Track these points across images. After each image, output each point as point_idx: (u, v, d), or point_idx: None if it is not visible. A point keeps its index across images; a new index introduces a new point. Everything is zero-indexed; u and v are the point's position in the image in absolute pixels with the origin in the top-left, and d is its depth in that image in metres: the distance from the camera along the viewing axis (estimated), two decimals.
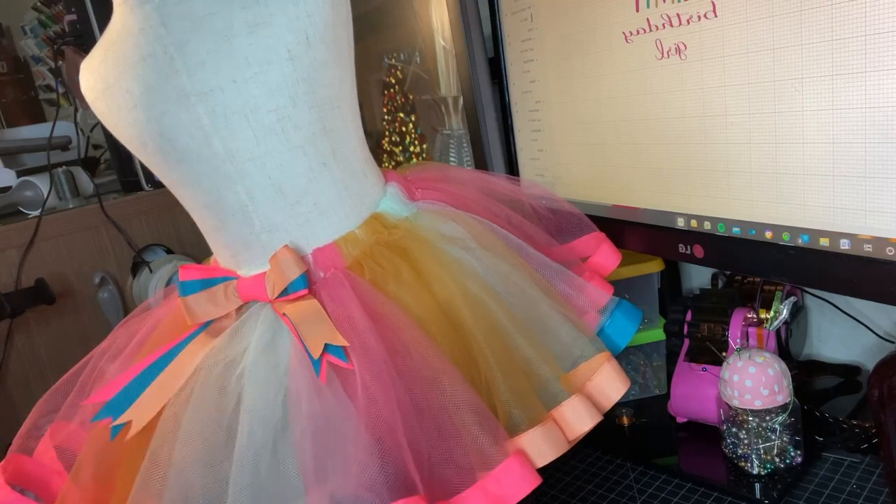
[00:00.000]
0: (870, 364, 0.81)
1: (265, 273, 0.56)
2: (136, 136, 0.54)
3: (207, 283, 0.58)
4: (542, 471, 0.48)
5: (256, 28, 0.51)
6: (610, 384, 0.54)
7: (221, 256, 0.60)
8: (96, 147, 1.45)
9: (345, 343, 0.51)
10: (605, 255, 0.68)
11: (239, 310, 0.58)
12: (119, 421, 0.54)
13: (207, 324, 0.58)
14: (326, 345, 0.51)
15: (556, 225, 0.69)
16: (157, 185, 1.20)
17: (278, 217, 0.56)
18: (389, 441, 0.47)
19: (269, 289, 0.55)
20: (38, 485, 0.59)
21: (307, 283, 0.54)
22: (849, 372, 0.83)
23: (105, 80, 0.54)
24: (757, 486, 0.68)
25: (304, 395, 0.50)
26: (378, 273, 0.56)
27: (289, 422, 0.50)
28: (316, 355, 0.50)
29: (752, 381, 0.67)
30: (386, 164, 1.19)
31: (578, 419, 0.51)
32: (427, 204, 0.63)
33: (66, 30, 1.17)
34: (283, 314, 0.54)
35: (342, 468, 0.46)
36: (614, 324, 0.62)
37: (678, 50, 0.66)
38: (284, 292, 0.54)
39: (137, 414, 0.54)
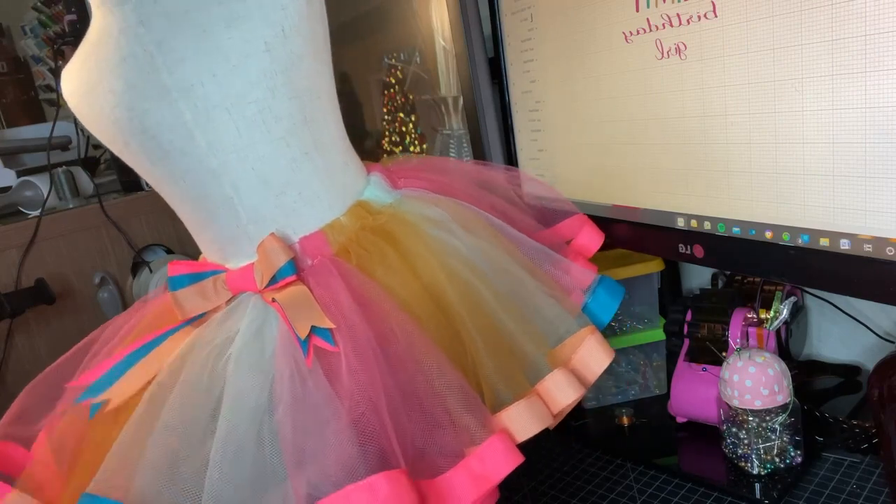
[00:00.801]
0: (870, 364, 0.81)
1: (253, 264, 0.57)
2: (120, 136, 0.55)
3: (196, 278, 0.58)
4: (541, 470, 0.48)
5: (233, 22, 0.52)
6: (594, 357, 0.55)
7: (209, 252, 0.61)
8: (96, 147, 1.45)
9: (331, 325, 0.51)
10: (589, 237, 0.70)
11: (228, 302, 0.58)
12: (98, 399, 0.55)
13: (197, 317, 0.59)
14: (313, 327, 0.52)
15: (541, 211, 0.71)
16: None
17: (264, 208, 0.57)
18: (373, 422, 0.47)
19: (257, 279, 0.56)
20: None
21: (295, 270, 0.55)
22: (849, 372, 0.83)
23: (87, 83, 0.55)
24: (757, 486, 0.68)
25: (287, 380, 0.51)
26: (364, 258, 0.57)
27: (273, 407, 0.51)
28: (303, 336, 0.51)
29: (752, 381, 0.67)
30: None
31: (562, 392, 0.52)
32: (410, 191, 0.64)
33: (66, 30, 1.17)
34: (273, 300, 0.55)
35: (321, 452, 0.47)
36: (597, 300, 0.63)
37: (678, 50, 0.66)
38: (273, 281, 0.55)
39: (117, 392, 0.55)
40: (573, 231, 0.70)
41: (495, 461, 0.47)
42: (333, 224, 0.59)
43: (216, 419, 0.50)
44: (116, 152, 0.58)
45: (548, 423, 0.50)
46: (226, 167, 0.55)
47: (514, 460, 0.47)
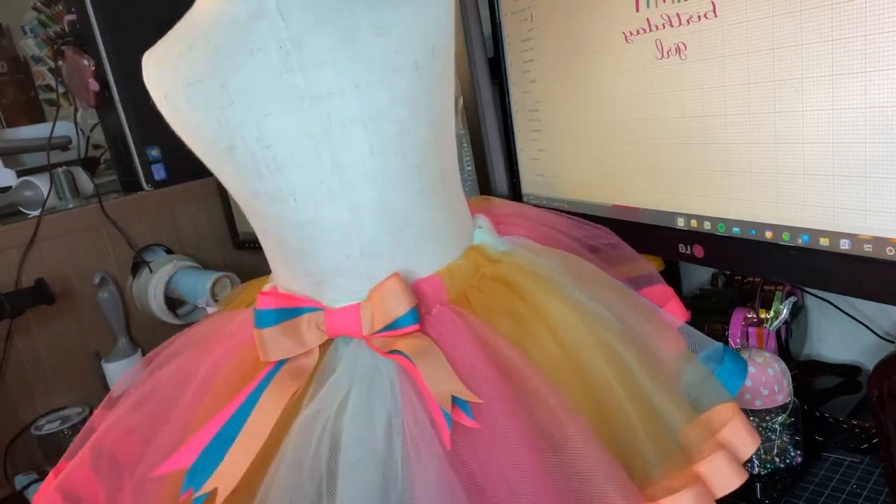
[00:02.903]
0: (870, 364, 0.81)
1: (360, 304, 0.49)
2: (224, 141, 0.48)
3: (287, 314, 0.50)
4: None
5: (384, 30, 0.47)
6: (741, 440, 0.49)
7: (299, 284, 0.52)
8: (96, 147, 1.45)
9: (477, 399, 0.43)
10: (677, 310, 0.62)
11: (322, 346, 0.50)
12: (203, 491, 0.45)
13: (283, 361, 0.50)
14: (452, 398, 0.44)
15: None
16: (157, 185, 1.20)
17: (382, 241, 0.50)
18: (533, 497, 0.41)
19: (364, 323, 0.48)
20: None
21: (417, 319, 0.47)
22: (849, 372, 0.83)
23: (192, 74, 0.47)
24: (757, 486, 0.68)
25: (423, 461, 0.43)
26: (488, 309, 0.50)
27: (405, 487, 0.43)
28: (448, 407, 0.43)
29: (752, 381, 0.67)
30: None
31: (724, 478, 0.47)
32: (516, 238, 0.57)
33: (66, 30, 1.17)
34: (391, 352, 0.47)
35: None
36: (724, 370, 0.55)
37: (678, 50, 0.66)
38: (386, 329, 0.48)
39: (222, 480, 0.46)
40: (660, 301, 0.62)
41: None
42: (451, 268, 0.52)
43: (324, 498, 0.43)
44: (211, 161, 0.51)
45: None
46: (350, 189, 0.48)
47: None
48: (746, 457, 0.49)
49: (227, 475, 0.46)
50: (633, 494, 0.43)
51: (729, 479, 0.46)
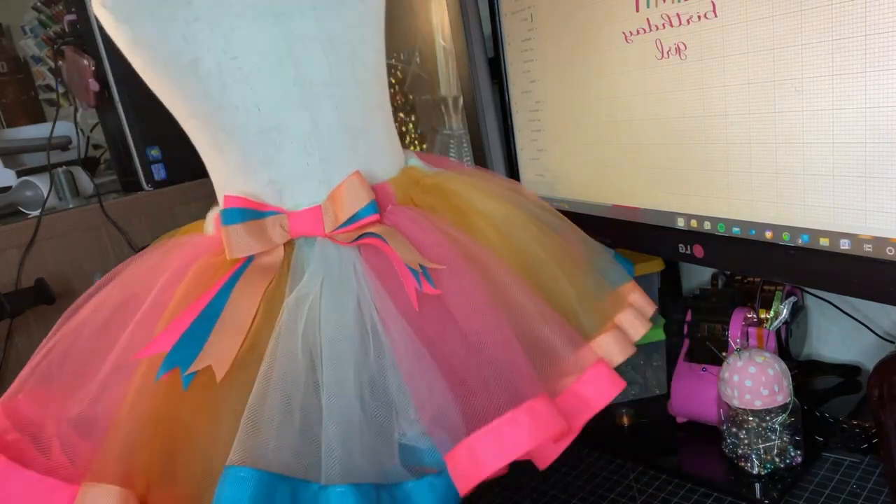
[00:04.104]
0: (870, 364, 0.81)
1: (321, 206, 0.55)
2: (189, 53, 0.51)
3: (253, 215, 0.55)
4: (541, 471, 0.49)
5: None
6: (645, 300, 0.62)
7: (260, 194, 0.56)
8: (96, 147, 1.45)
9: (441, 266, 0.51)
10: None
11: (285, 246, 0.55)
12: (192, 369, 0.49)
13: (247, 263, 0.55)
14: (414, 269, 0.51)
15: None
16: (157, 185, 1.20)
17: (339, 150, 0.56)
18: (503, 358, 0.49)
19: (327, 221, 0.55)
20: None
21: (377, 209, 0.54)
22: (849, 372, 0.83)
23: None
24: (757, 486, 0.68)
25: (395, 323, 0.50)
26: (432, 208, 0.58)
27: (384, 349, 0.50)
28: (416, 266, 0.51)
29: (752, 381, 0.67)
30: None
31: (634, 327, 0.58)
32: (450, 171, 0.65)
33: (66, 30, 1.17)
34: (361, 236, 0.53)
35: (439, 388, 0.48)
36: (618, 261, 0.67)
37: (678, 50, 0.66)
38: (349, 222, 0.54)
39: (214, 356, 0.50)
40: None
41: (601, 387, 0.51)
42: (396, 178, 0.59)
43: (315, 372, 0.49)
44: (169, 80, 0.54)
45: (631, 353, 0.56)
46: (310, 100, 0.54)
47: (619, 385, 0.52)
48: (649, 315, 0.61)
49: (217, 355, 0.50)
50: (577, 339, 0.53)
51: (637, 328, 0.59)
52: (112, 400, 0.52)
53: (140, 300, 0.56)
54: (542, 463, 0.52)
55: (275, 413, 0.47)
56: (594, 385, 0.51)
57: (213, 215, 0.60)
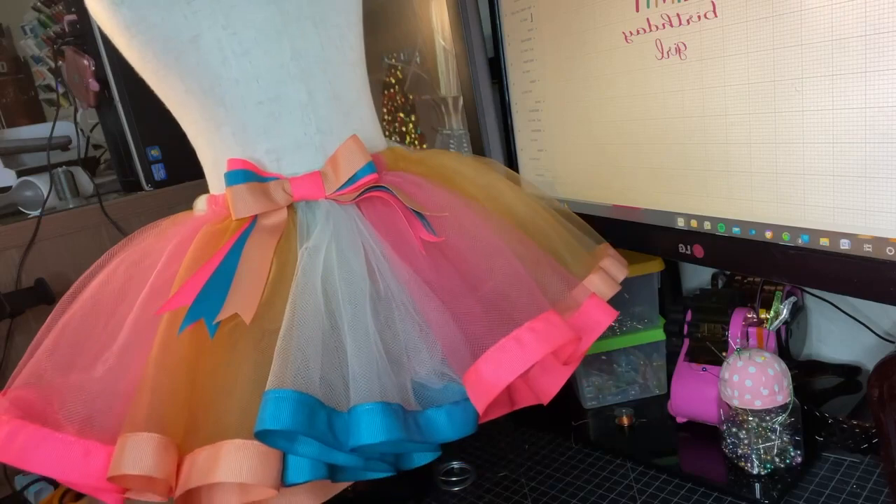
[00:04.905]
0: (870, 364, 0.81)
1: (320, 171, 0.59)
2: (189, 30, 0.54)
3: (256, 178, 0.58)
4: (542, 471, 0.49)
5: None
6: (619, 259, 0.69)
7: (261, 165, 0.59)
8: (96, 147, 1.45)
9: (444, 214, 0.58)
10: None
11: (289, 208, 0.58)
12: (220, 318, 0.52)
13: (252, 225, 0.57)
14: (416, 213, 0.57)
15: None
16: (157, 185, 1.20)
17: (334, 120, 0.60)
18: (511, 284, 0.55)
19: (326, 185, 0.58)
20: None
21: (375, 169, 0.58)
22: (849, 372, 0.83)
23: None
24: (757, 486, 0.68)
25: (398, 269, 0.54)
26: (423, 176, 0.63)
27: (393, 293, 0.54)
28: (422, 211, 0.57)
29: (752, 381, 0.67)
30: None
31: (617, 271, 0.67)
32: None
33: (66, 30, 1.17)
34: (366, 191, 0.57)
35: (448, 321, 0.53)
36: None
37: (678, 50, 0.66)
38: (348, 183, 0.57)
39: (239, 303, 0.52)
40: None
41: (598, 314, 0.58)
42: (384, 151, 0.64)
43: (335, 316, 0.51)
44: (166, 59, 0.56)
45: (616, 290, 0.63)
46: (306, 74, 0.58)
47: (612, 314, 0.59)
48: (624, 266, 0.69)
49: (242, 302, 0.52)
50: (571, 279, 0.61)
51: (619, 270, 0.67)
52: (136, 359, 0.53)
53: (149, 269, 0.58)
54: (545, 396, 0.57)
55: (305, 346, 0.49)
56: (592, 313, 0.58)
57: (202, 199, 0.64)
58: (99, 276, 0.60)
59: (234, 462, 0.45)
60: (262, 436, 0.45)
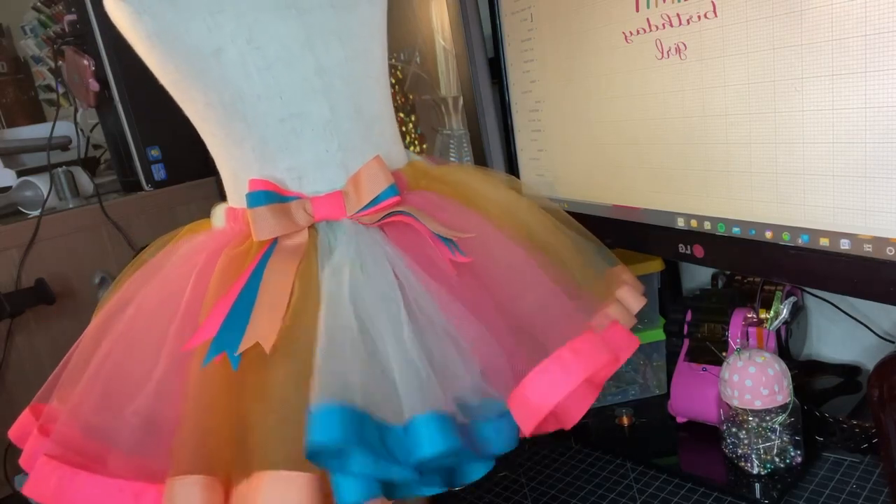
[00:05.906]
0: (870, 364, 0.81)
1: (341, 191, 0.57)
2: (212, 43, 0.53)
3: (278, 199, 0.56)
4: (542, 471, 0.49)
5: None
6: (635, 284, 0.66)
7: (282, 183, 0.58)
8: (96, 147, 1.46)
9: (471, 235, 0.56)
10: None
11: (310, 229, 0.57)
12: (243, 348, 0.50)
13: (272, 247, 0.56)
14: (444, 239, 0.55)
15: None
16: (157, 185, 1.20)
17: (356, 137, 0.59)
18: (546, 305, 0.55)
19: (348, 205, 0.57)
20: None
21: (398, 191, 0.57)
22: (849, 372, 0.83)
23: None
24: (757, 486, 0.68)
25: (428, 288, 0.53)
26: (443, 194, 0.61)
27: (427, 313, 0.52)
28: (448, 236, 0.55)
29: (752, 381, 0.67)
30: None
31: (634, 300, 0.63)
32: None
33: (66, 30, 1.17)
34: (388, 214, 0.56)
35: (486, 342, 0.52)
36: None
37: (678, 50, 0.66)
38: (370, 205, 0.56)
39: (259, 333, 0.51)
40: None
41: (624, 340, 0.57)
42: (405, 168, 0.63)
43: (369, 334, 0.50)
44: (195, 66, 0.55)
45: (633, 323, 0.61)
46: (329, 89, 0.57)
47: (635, 342, 0.57)
48: (641, 292, 0.65)
49: (261, 331, 0.51)
50: (591, 307, 0.59)
51: (636, 301, 0.63)
52: (171, 394, 0.52)
53: (176, 296, 0.57)
54: (569, 422, 0.55)
55: (343, 362, 0.48)
56: (617, 339, 0.56)
57: (220, 210, 0.62)
58: (129, 308, 0.59)
59: (276, 494, 0.45)
60: (313, 456, 0.44)
